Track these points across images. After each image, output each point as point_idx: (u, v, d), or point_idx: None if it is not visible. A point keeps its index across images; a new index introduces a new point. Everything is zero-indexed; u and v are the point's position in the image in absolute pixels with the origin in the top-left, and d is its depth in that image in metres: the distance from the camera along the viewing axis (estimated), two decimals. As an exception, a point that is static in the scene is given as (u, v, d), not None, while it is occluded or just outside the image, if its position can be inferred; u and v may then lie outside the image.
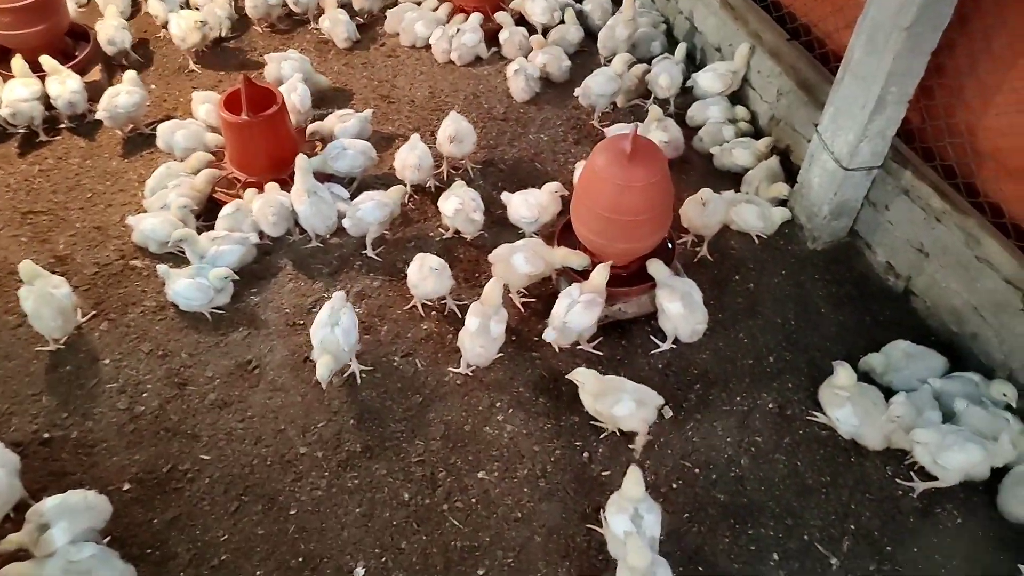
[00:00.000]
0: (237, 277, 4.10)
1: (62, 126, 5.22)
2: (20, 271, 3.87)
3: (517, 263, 3.98)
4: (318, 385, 3.74)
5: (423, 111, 5.42)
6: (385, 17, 6.10)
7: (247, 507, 3.41)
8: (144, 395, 3.80)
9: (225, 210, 4.39)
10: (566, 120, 5.36)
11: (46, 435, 3.64)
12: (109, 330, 4.07)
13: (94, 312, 4.13)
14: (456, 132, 4.67)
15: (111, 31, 5.56)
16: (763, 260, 4.42)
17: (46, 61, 5.08)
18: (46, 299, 3.79)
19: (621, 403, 3.44)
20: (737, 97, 5.26)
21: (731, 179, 4.84)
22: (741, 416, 3.73)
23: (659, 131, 4.83)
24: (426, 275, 3.92)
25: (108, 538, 3.22)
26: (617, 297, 3.96)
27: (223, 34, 5.97)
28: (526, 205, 4.28)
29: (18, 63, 5.04)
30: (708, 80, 5.19)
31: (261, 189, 4.54)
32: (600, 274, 3.78)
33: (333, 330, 3.57)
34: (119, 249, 4.47)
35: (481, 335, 3.63)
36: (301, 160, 4.28)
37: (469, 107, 5.44)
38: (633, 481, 3.07)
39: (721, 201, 4.32)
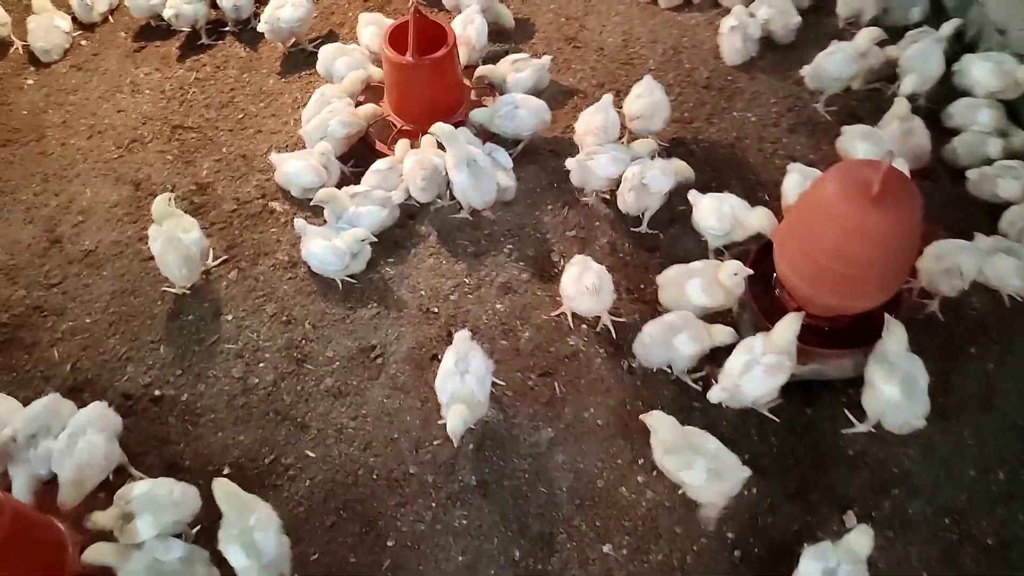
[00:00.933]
0: (375, 239, 3.64)
1: (226, 29, 4.86)
2: (153, 209, 3.60)
3: (692, 292, 3.27)
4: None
5: (612, 63, 4.60)
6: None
7: (344, 525, 3.06)
8: (261, 365, 3.50)
9: (378, 165, 3.89)
10: (782, 98, 4.38)
11: (157, 392, 3.43)
12: (237, 281, 3.77)
13: (225, 257, 3.84)
14: (647, 108, 3.88)
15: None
16: (1013, 332, 3.44)
17: (213, -40, 4.68)
18: (174, 244, 3.50)
19: (693, 468, 2.80)
20: (1017, 108, 4.06)
21: (986, 212, 3.78)
22: (947, 547, 2.93)
23: (902, 132, 3.80)
24: (582, 291, 3.29)
25: (199, 526, 2.99)
26: (811, 355, 3.17)
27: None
28: (717, 214, 3.48)
29: (189, -40, 4.67)
30: (984, 72, 4.02)
31: (417, 138, 4.03)
32: (789, 329, 3.00)
33: (464, 379, 3.02)
34: (261, 186, 4.12)
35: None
36: (442, 129, 3.70)
37: (666, 65, 4.57)
38: None
39: (974, 252, 3.34)
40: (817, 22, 4.70)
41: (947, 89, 4.18)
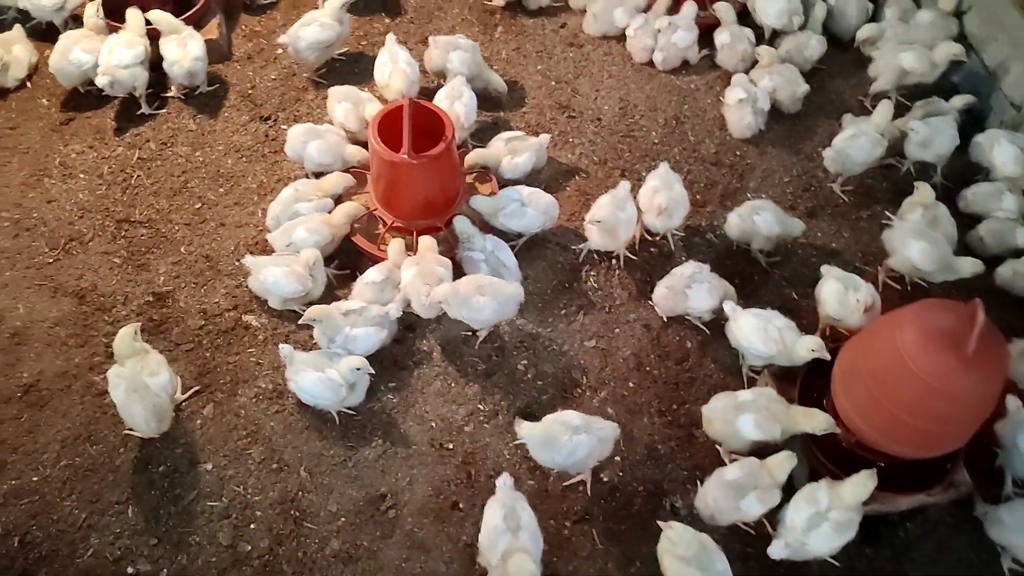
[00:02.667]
0: (372, 372, 3.17)
1: (169, 94, 4.23)
2: (116, 345, 3.03)
3: (744, 428, 2.98)
4: (468, 548, 2.91)
5: (611, 135, 4.24)
6: (567, -16, 4.78)
7: None
8: (252, 526, 3.01)
9: (370, 275, 3.42)
10: (796, 176, 4.13)
11: (130, 570, 2.89)
12: (214, 418, 3.24)
13: (197, 388, 3.30)
14: (668, 202, 3.55)
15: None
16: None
17: (161, 18, 4.03)
18: (140, 393, 2.95)
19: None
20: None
21: (1017, 305, 3.65)
22: None
23: (927, 221, 3.62)
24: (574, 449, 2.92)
25: None
26: (876, 497, 2.93)
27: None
28: (763, 336, 3.17)
29: (134, 18, 4.00)
30: (1008, 158, 3.85)
31: (410, 235, 3.58)
32: (864, 489, 2.73)
33: (518, 535, 2.64)
34: (231, 294, 3.58)
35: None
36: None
37: (670, 137, 4.24)
38: None
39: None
40: (820, 87, 4.47)
41: (964, 165, 4.03)
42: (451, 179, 3.62)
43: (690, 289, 3.37)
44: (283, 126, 4.15)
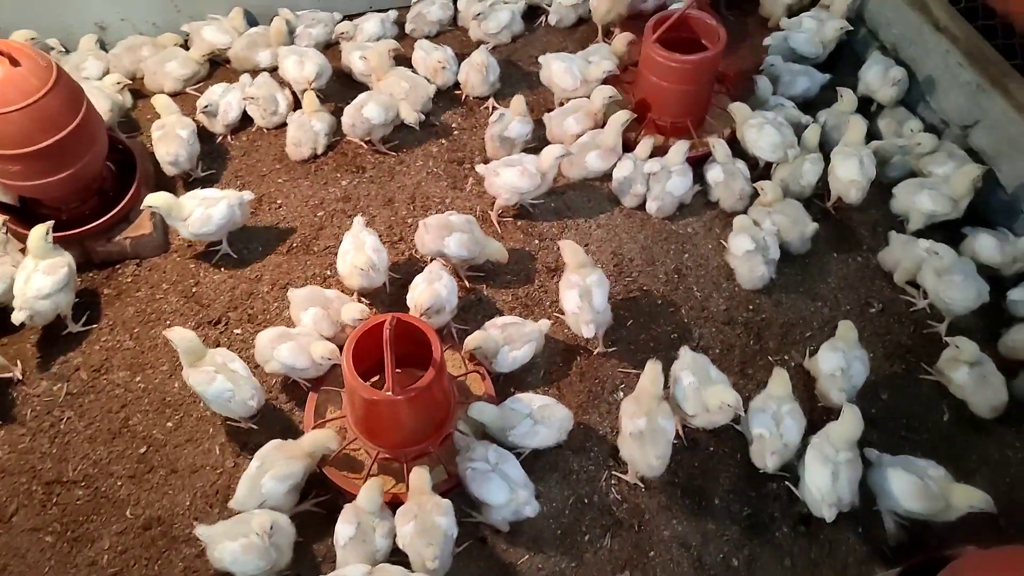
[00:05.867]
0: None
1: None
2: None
3: None
4: None
5: (610, 298, 3.76)
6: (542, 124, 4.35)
7: None
8: None
9: (342, 532, 2.82)
10: (817, 329, 3.71)
11: None
12: None
13: None
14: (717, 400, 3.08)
15: (176, 144, 3.94)
16: None
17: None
18: None
19: None
20: None
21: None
22: None
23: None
24: None
25: None
26: None
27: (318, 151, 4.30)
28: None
29: (36, 234, 3.41)
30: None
31: (400, 463, 3.05)
32: None
33: None
34: (191, 568, 2.97)
35: None
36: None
37: (674, 294, 3.80)
38: None
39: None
40: (823, 215, 4.09)
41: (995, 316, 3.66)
42: (443, 401, 3.10)
43: None
44: (236, 331, 3.60)
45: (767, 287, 3.80)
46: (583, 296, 3.37)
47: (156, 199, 3.58)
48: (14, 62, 3.26)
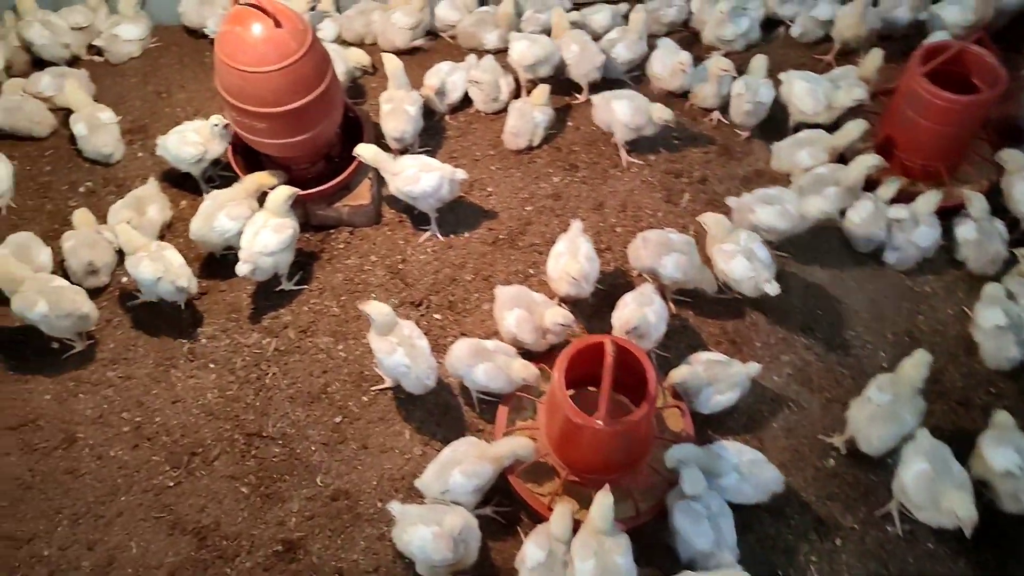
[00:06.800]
0: None
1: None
2: None
3: None
4: None
5: (828, 351, 3.48)
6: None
7: None
8: None
9: (532, 556, 2.72)
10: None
11: None
12: None
13: None
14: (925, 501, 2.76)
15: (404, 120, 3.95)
16: None
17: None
18: None
19: None
20: None
21: None
22: None
23: None
24: None
25: None
26: None
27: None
28: None
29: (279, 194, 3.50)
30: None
31: (588, 487, 2.93)
32: None
33: None
34: (372, 549, 3.00)
35: None
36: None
37: (901, 356, 3.40)
38: None
39: None
40: None
41: None
42: (645, 438, 2.94)
43: None
44: (435, 315, 3.59)
45: (1015, 370, 3.36)
46: (749, 257, 3.22)
47: (365, 149, 3.61)
48: (277, 23, 3.34)
